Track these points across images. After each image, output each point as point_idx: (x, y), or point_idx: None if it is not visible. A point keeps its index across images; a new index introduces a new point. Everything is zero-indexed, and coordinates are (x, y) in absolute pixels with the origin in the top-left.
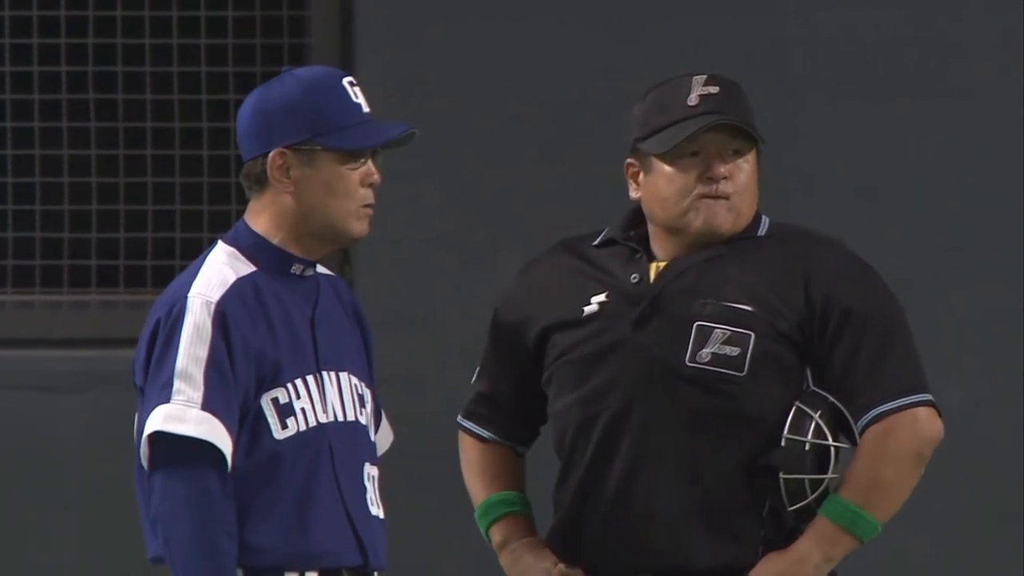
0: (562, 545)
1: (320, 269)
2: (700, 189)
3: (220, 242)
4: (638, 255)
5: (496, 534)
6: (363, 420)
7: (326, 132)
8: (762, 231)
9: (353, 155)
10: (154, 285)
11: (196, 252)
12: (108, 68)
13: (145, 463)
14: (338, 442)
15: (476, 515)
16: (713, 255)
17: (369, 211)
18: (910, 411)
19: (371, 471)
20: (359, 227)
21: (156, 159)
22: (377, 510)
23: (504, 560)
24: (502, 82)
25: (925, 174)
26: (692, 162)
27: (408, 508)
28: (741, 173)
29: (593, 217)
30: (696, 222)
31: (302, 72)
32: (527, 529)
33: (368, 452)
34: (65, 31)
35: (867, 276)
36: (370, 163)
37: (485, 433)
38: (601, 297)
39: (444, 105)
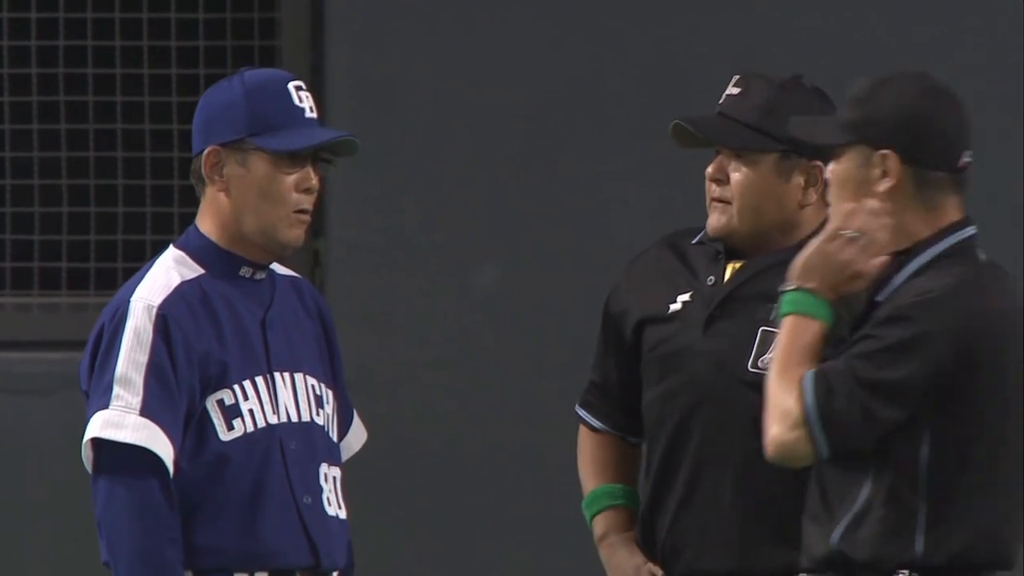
0: (642, 535)
1: (282, 270)
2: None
3: (171, 245)
4: (720, 255)
5: (597, 526)
6: (320, 421)
7: (260, 132)
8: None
9: (289, 158)
10: None
11: None
12: (78, 70)
13: (89, 468)
14: (291, 443)
15: (583, 505)
16: (789, 257)
17: (303, 217)
18: None
19: (329, 471)
20: (291, 233)
21: (127, 161)
22: (336, 510)
23: (602, 553)
24: (472, 85)
25: None
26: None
27: (375, 509)
28: (734, 175)
29: (565, 220)
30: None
31: (250, 73)
32: (627, 523)
33: (326, 452)
34: (36, 33)
35: None
36: (309, 168)
37: (596, 423)
38: (686, 296)
39: (414, 108)
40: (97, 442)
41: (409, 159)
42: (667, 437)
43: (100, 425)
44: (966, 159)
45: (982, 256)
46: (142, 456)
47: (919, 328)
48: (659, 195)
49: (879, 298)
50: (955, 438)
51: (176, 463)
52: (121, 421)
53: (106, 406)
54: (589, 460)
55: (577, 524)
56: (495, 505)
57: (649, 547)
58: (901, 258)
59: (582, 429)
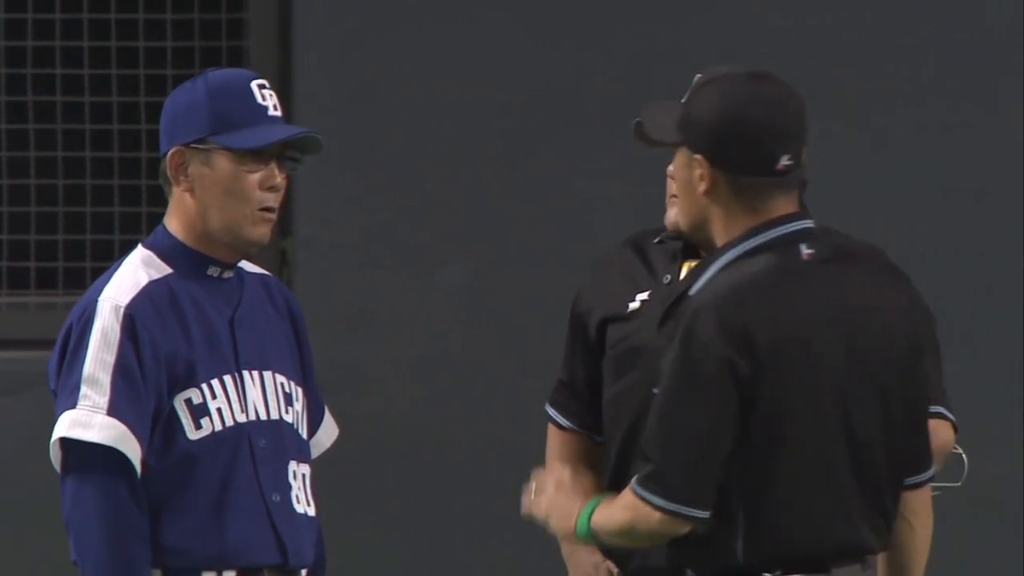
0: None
1: (252, 268)
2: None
3: (140, 245)
4: (677, 254)
5: None
6: (289, 418)
7: (223, 131)
8: None
9: (252, 156)
10: None
11: None
12: (47, 71)
13: (57, 467)
14: (260, 441)
15: None
16: None
17: (268, 215)
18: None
19: (298, 469)
20: (255, 231)
21: (95, 161)
22: (305, 508)
23: (564, 550)
24: (442, 82)
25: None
26: None
27: (346, 507)
28: (677, 172)
29: (538, 217)
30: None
31: (213, 74)
32: None
33: (295, 450)
34: (5, 34)
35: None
36: (273, 166)
37: (564, 421)
38: (644, 295)
39: (382, 106)
40: (65, 442)
41: (377, 158)
42: (622, 435)
43: (68, 425)
44: (784, 162)
45: (807, 251)
46: (110, 455)
47: (695, 343)
48: (638, 194)
49: (691, 292)
50: (760, 444)
51: (144, 462)
52: (89, 421)
53: (74, 406)
54: (555, 457)
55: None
56: (467, 502)
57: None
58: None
59: (550, 427)
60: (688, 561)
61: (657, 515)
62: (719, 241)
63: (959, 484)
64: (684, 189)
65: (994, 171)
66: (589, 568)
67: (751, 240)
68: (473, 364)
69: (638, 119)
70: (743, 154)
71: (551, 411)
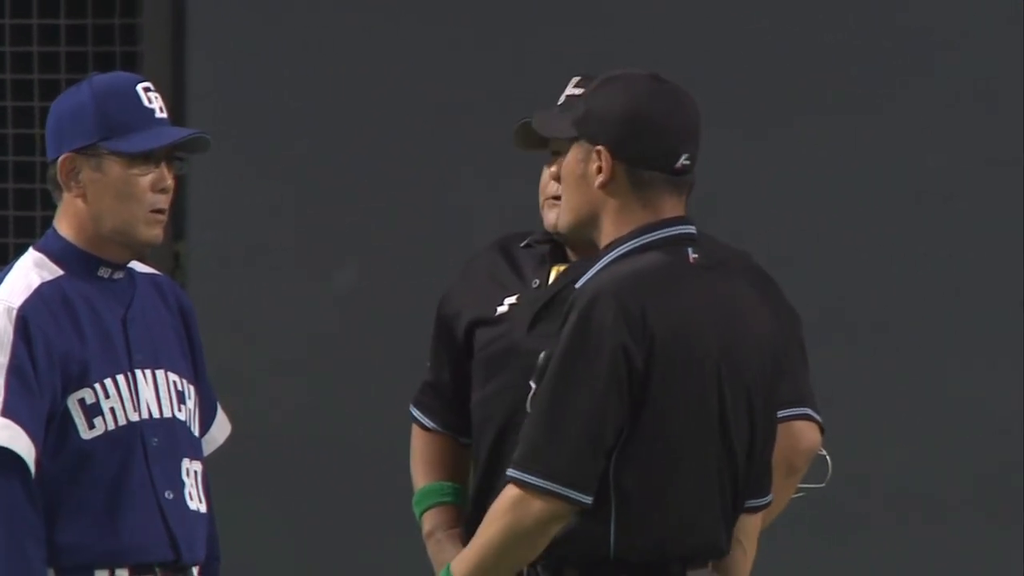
0: (467, 532)
1: (143, 268)
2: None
3: (31, 248)
4: (545, 259)
5: (426, 522)
6: (182, 416)
7: (111, 136)
8: None
9: (142, 159)
10: None
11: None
12: None
13: None
14: (153, 439)
15: (413, 501)
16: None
17: (160, 216)
18: (783, 424)
19: (191, 466)
20: (149, 232)
21: None
22: (198, 505)
23: (429, 548)
24: (332, 87)
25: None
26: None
27: (237, 505)
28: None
29: (421, 222)
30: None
31: (98, 78)
32: (455, 520)
33: (188, 447)
34: None
35: (759, 289)
36: (163, 168)
37: (428, 422)
38: (512, 299)
39: (273, 111)
40: None
41: (270, 161)
42: (492, 436)
43: None
44: (683, 161)
45: (692, 255)
46: (4, 456)
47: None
48: (517, 198)
49: (578, 284)
50: (642, 436)
51: (38, 462)
52: None
53: None
54: (420, 458)
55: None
56: (349, 499)
57: None
58: (604, 250)
59: (415, 428)
60: (563, 554)
61: (537, 503)
62: (607, 236)
63: (823, 485)
64: (575, 184)
65: (995, 171)
66: None
67: (641, 238)
68: (354, 365)
69: (525, 120)
70: (647, 147)
71: (415, 412)
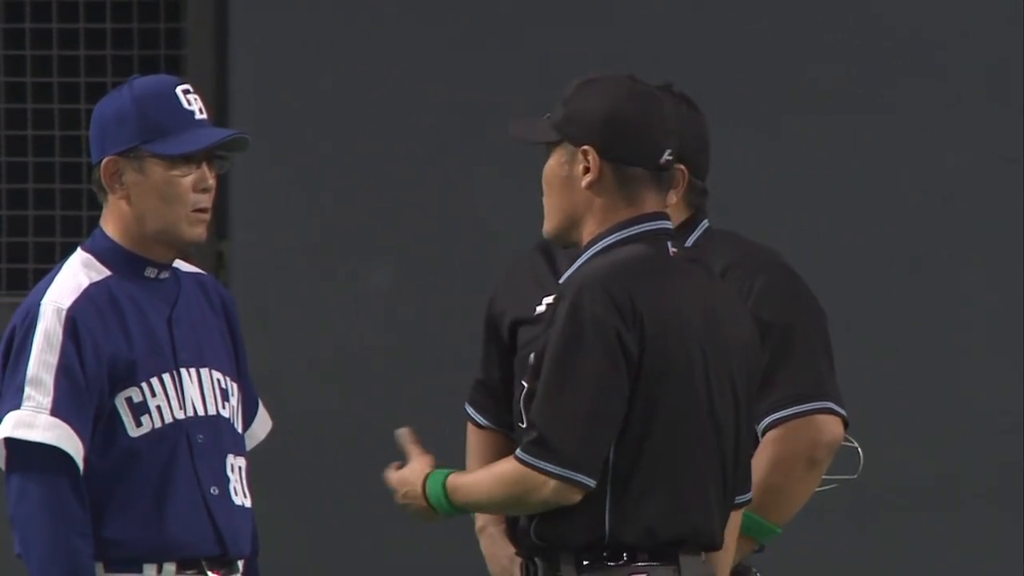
0: (510, 529)
1: (187, 268)
2: None
3: (79, 248)
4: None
5: (478, 518)
6: (226, 413)
7: (152, 139)
8: (690, 241)
9: (183, 160)
10: None
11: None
12: None
13: (2, 466)
14: (198, 436)
15: None
16: None
17: (203, 215)
18: (805, 418)
19: (236, 462)
20: (192, 232)
21: (37, 166)
22: (242, 500)
23: (482, 543)
24: (372, 91)
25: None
26: None
27: (267, 501)
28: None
29: (459, 223)
30: None
31: (138, 81)
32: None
33: (232, 444)
34: None
35: (781, 283)
36: (204, 168)
37: (481, 419)
38: (549, 299)
39: (314, 113)
40: (9, 441)
41: (311, 162)
42: None
43: (12, 425)
44: (667, 156)
45: (672, 248)
46: (53, 454)
47: (585, 315)
48: None
49: (561, 281)
50: (636, 420)
51: (86, 459)
52: (32, 421)
53: (18, 406)
54: (474, 455)
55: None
56: (384, 496)
57: (514, 541)
58: (587, 246)
59: (469, 426)
60: (558, 539)
61: (552, 483)
62: (590, 234)
63: (855, 477)
64: (560, 187)
65: (994, 171)
66: (506, 560)
67: (623, 231)
68: (393, 363)
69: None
70: (632, 143)
71: (469, 410)
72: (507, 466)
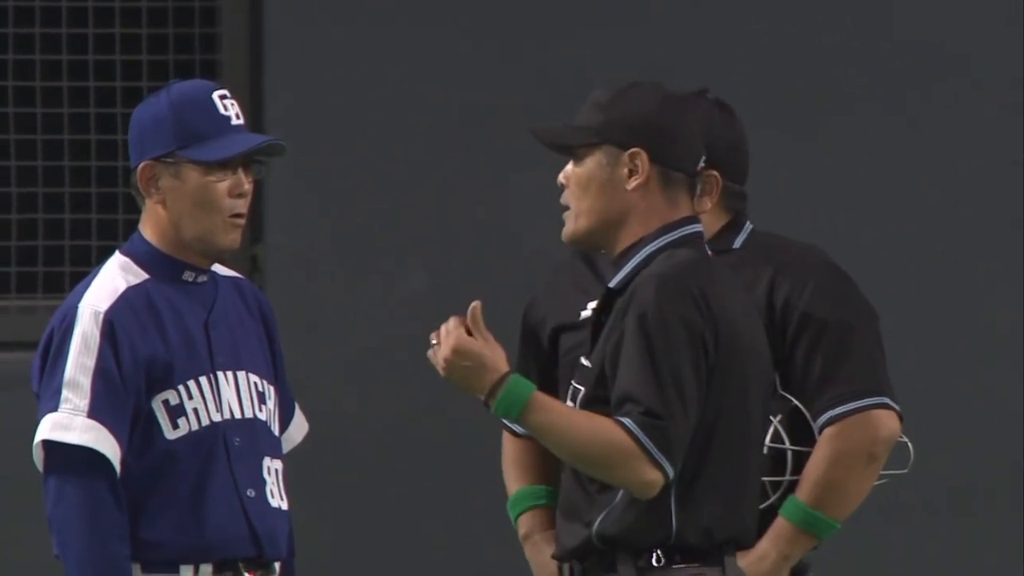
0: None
1: (225, 271)
2: None
3: (117, 252)
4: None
5: (522, 526)
6: (263, 416)
7: (188, 144)
8: (738, 243)
9: (218, 166)
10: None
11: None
12: (27, 84)
13: (40, 468)
14: (235, 438)
15: (508, 505)
16: None
17: (238, 221)
18: (863, 413)
19: (272, 464)
20: (227, 238)
21: (74, 170)
22: (279, 502)
23: (527, 551)
24: (405, 96)
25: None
26: None
27: (302, 503)
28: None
29: (493, 227)
30: None
31: (176, 87)
32: (550, 521)
33: (268, 446)
34: None
35: (833, 282)
36: (240, 174)
37: (517, 428)
38: (594, 304)
39: (348, 118)
40: (47, 443)
41: (346, 166)
42: None
43: (50, 427)
44: (701, 163)
45: (709, 251)
46: (90, 456)
47: (672, 315)
48: None
49: (612, 284)
50: (704, 421)
51: (123, 461)
52: (70, 423)
53: (55, 408)
54: (512, 462)
55: (503, 520)
56: (419, 499)
57: (559, 547)
58: (632, 248)
59: (505, 433)
60: (622, 537)
61: (647, 470)
62: (634, 235)
63: (906, 471)
64: (600, 189)
65: (994, 171)
66: (554, 568)
67: (671, 234)
68: (427, 367)
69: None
70: (679, 148)
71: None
72: (614, 430)
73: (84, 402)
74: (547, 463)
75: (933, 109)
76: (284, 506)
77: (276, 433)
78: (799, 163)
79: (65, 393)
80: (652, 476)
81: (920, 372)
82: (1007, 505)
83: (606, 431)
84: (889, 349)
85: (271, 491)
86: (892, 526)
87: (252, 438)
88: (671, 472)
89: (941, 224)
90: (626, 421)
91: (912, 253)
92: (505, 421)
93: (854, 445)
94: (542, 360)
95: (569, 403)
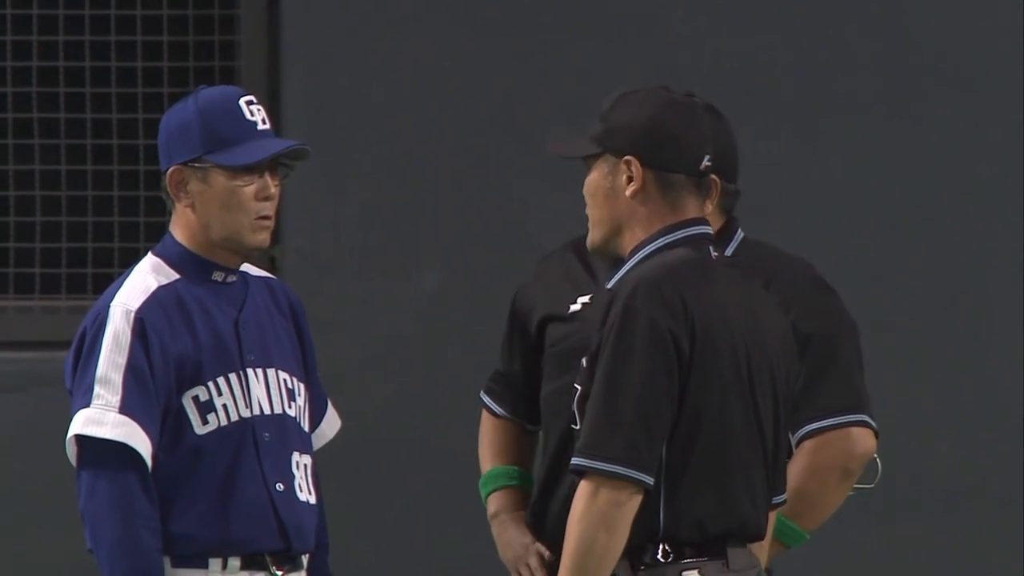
0: (533, 520)
1: (256, 271)
2: None
3: (150, 253)
4: (619, 261)
5: (491, 504)
6: (292, 412)
7: (215, 149)
8: (729, 251)
9: (245, 170)
10: (94, 292)
11: (133, 261)
12: (51, 90)
13: (73, 463)
14: (264, 434)
15: (479, 484)
16: None
17: (266, 222)
18: (842, 430)
19: (301, 459)
20: (255, 239)
21: (96, 174)
22: (307, 496)
23: (494, 529)
24: (424, 98)
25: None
26: None
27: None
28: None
29: (506, 227)
30: None
31: (204, 92)
32: (520, 503)
33: (298, 442)
34: (11, 55)
35: (818, 296)
36: (267, 177)
37: (497, 409)
38: (585, 298)
39: (366, 122)
40: (80, 438)
41: (359, 168)
42: (560, 429)
43: (82, 422)
44: (706, 162)
45: (714, 253)
46: (122, 451)
47: (639, 317)
48: None
49: (609, 286)
50: (686, 417)
51: (154, 456)
52: (102, 419)
53: (88, 404)
54: (488, 442)
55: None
56: (428, 494)
57: (539, 528)
58: (632, 252)
59: (484, 414)
60: None
61: (604, 488)
62: (636, 240)
63: (872, 486)
64: (604, 198)
65: (994, 171)
66: (519, 548)
67: (668, 236)
68: (442, 365)
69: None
70: (672, 150)
71: (485, 398)
72: (589, 506)
73: (116, 398)
74: (522, 445)
75: (934, 114)
76: (313, 500)
77: (306, 429)
78: (800, 167)
79: (97, 389)
80: (623, 492)
81: (920, 372)
82: (1007, 505)
83: (573, 511)
84: (890, 350)
85: (299, 485)
86: (892, 526)
87: (281, 433)
88: (637, 475)
89: (941, 226)
90: (572, 461)
91: (912, 254)
92: (484, 399)
93: (831, 460)
94: (527, 347)
95: (575, 407)
